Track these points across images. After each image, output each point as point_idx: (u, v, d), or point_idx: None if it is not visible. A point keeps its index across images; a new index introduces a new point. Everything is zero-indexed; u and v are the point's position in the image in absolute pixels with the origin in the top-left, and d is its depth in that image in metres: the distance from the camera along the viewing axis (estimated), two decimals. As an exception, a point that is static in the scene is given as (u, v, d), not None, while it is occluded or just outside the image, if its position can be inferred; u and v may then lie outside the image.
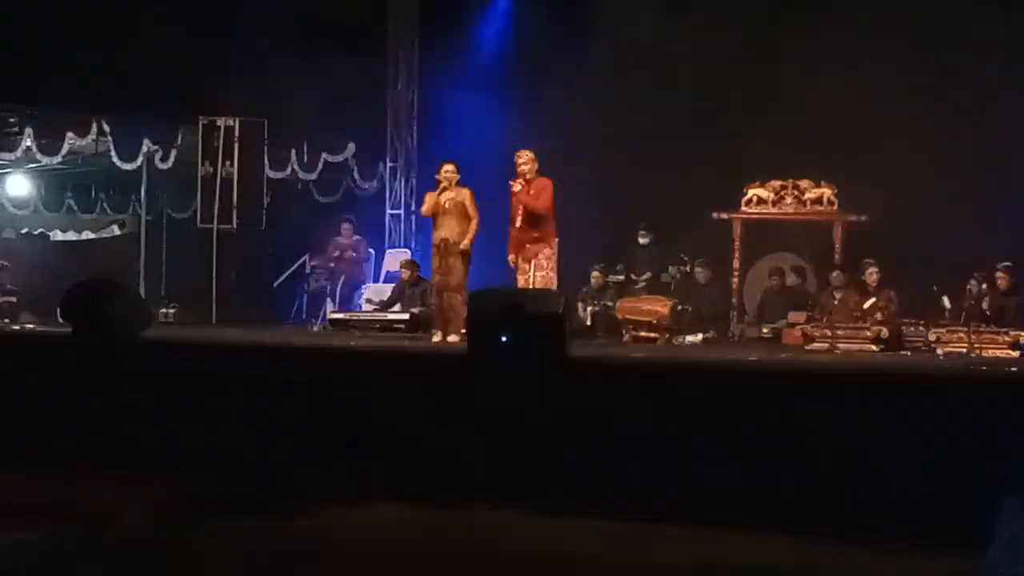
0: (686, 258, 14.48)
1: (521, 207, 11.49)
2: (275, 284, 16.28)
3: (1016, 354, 12.17)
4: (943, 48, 14.34)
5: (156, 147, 16.39)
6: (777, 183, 15.15)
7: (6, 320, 15.09)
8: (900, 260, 13.68)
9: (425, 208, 12.29)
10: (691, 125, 15.05)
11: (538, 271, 11.46)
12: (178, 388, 9.13)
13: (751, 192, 15.18)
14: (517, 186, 11.54)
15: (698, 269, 14.75)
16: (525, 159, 11.62)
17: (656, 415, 7.98)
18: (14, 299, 15.79)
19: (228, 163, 15.96)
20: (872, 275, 13.52)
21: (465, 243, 11.77)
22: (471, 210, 11.85)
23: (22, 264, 16.72)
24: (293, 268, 16.35)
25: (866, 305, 13.40)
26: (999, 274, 13.10)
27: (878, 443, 7.38)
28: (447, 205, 11.89)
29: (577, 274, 14.72)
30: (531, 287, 11.26)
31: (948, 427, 7.28)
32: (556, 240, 11.68)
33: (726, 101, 15.01)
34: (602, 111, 15.57)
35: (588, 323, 14.37)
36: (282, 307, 16.20)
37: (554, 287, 11.44)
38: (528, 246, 11.53)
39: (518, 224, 11.54)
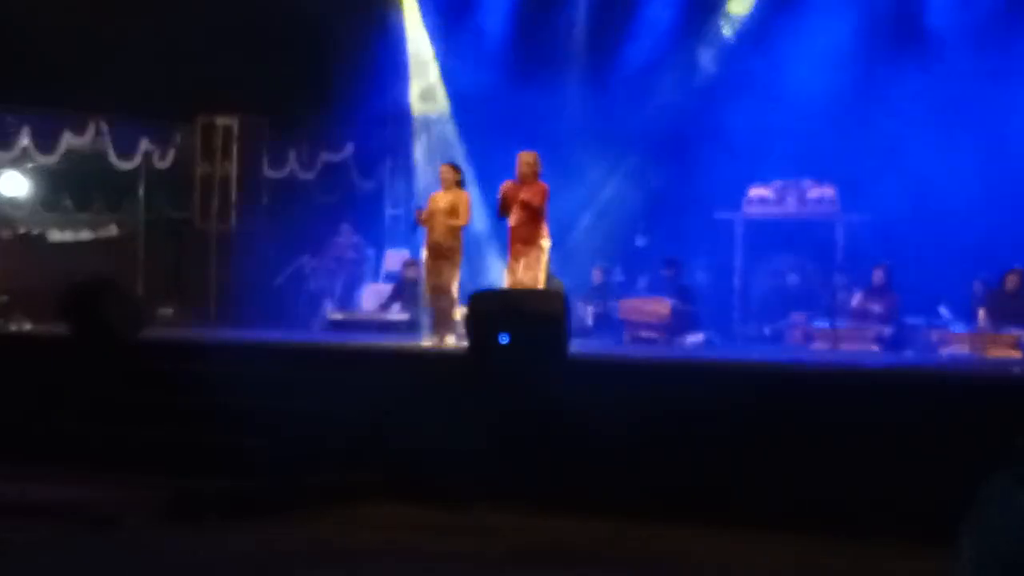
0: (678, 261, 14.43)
1: (516, 206, 11.41)
2: (275, 284, 16.26)
3: (1019, 354, 12.16)
4: (944, 48, 14.34)
5: (154, 146, 16.37)
6: (779, 183, 15.15)
7: (2, 320, 15.07)
8: (901, 260, 13.65)
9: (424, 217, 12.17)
10: (693, 124, 15.04)
11: (527, 271, 11.41)
12: (177, 388, 9.12)
13: (752, 192, 15.17)
14: (507, 185, 11.47)
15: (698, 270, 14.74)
16: (524, 163, 11.52)
17: (656, 415, 7.96)
18: (5, 298, 15.73)
19: (227, 163, 15.94)
20: (877, 276, 13.47)
21: (448, 222, 11.64)
22: (463, 214, 11.75)
23: (19, 265, 16.69)
24: (293, 268, 16.34)
25: (855, 303, 13.37)
26: (1009, 277, 13.08)
27: (878, 443, 7.37)
28: (439, 207, 11.86)
29: (577, 274, 14.71)
30: (519, 287, 11.21)
31: (948, 427, 7.27)
32: (547, 242, 11.64)
33: (726, 99, 14.98)
34: (602, 109, 15.55)
35: (588, 323, 14.35)
36: (282, 307, 16.18)
37: (541, 287, 11.39)
38: (519, 246, 11.50)
39: (513, 224, 11.50)
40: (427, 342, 12.13)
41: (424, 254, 12.10)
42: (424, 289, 12.57)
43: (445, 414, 8.47)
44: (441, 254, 11.78)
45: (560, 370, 8.54)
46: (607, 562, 6.77)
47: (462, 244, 11.90)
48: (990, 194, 13.73)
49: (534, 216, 11.44)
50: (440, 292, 11.83)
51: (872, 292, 13.46)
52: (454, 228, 11.73)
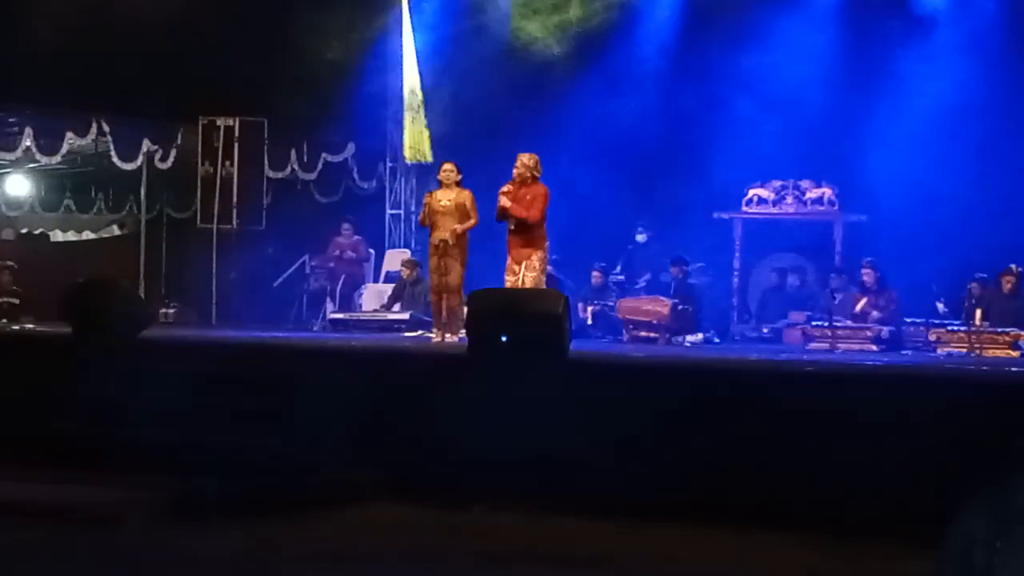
0: (687, 259, 14.46)
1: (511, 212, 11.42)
2: (275, 284, 16.29)
3: (1016, 354, 12.18)
4: (943, 47, 14.36)
5: (156, 147, 16.39)
6: (777, 183, 15.18)
7: (4, 320, 15.09)
8: (900, 260, 13.68)
9: (422, 216, 12.27)
10: (692, 124, 15.07)
11: (529, 272, 11.45)
12: (177, 388, 9.13)
13: (751, 192, 15.20)
14: (505, 189, 11.49)
15: (698, 268, 14.76)
16: (521, 164, 11.54)
17: (656, 415, 7.98)
18: (16, 300, 15.78)
19: (228, 163, 15.95)
20: (867, 275, 13.47)
21: (459, 230, 11.71)
22: (471, 212, 11.82)
23: (22, 265, 16.72)
24: (293, 268, 16.37)
25: (858, 308, 13.36)
26: (1005, 278, 13.10)
27: (878, 443, 7.39)
28: (445, 205, 11.88)
29: (577, 274, 14.74)
30: (520, 288, 11.24)
31: (946, 427, 7.29)
32: (547, 243, 11.70)
33: (725, 100, 15.00)
34: (603, 109, 15.59)
35: (588, 323, 14.37)
36: (282, 307, 16.20)
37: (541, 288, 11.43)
38: (519, 249, 11.53)
39: (513, 226, 11.53)
40: (432, 335, 12.19)
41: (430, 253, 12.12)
42: (428, 287, 12.61)
43: (445, 414, 8.49)
44: (448, 252, 11.80)
45: (560, 370, 8.55)
46: (607, 563, 6.78)
47: (468, 242, 11.93)
48: (987, 194, 13.77)
49: (532, 224, 11.47)
50: (445, 290, 11.85)
51: (867, 292, 13.48)
52: (463, 227, 11.78)
